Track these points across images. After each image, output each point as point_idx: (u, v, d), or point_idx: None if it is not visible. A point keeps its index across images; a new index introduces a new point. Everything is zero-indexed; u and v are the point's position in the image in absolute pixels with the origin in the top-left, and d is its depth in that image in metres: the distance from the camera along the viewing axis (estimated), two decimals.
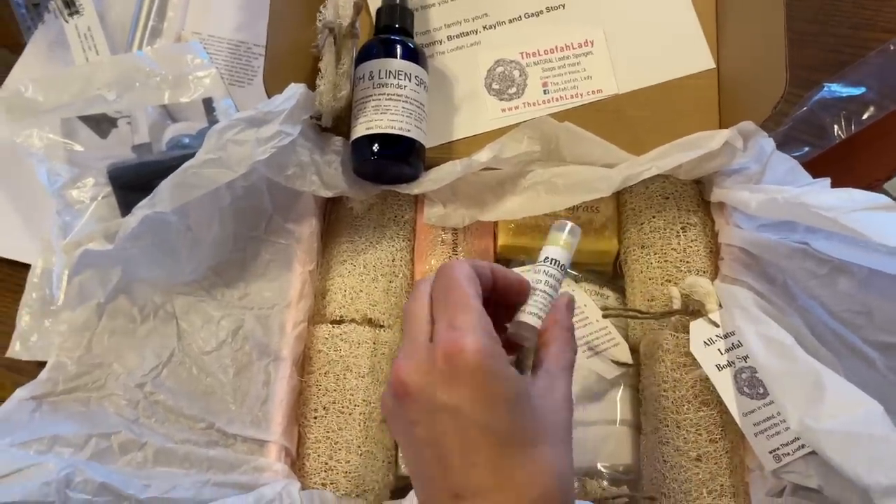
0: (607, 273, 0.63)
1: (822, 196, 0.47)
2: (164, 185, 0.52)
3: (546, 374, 0.39)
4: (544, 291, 0.44)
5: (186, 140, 0.68)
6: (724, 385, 0.51)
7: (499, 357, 0.36)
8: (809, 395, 0.44)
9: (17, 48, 0.75)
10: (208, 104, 0.70)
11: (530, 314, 0.43)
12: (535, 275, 0.44)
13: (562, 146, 0.58)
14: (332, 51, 0.55)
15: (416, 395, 0.36)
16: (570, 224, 0.46)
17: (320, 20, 0.55)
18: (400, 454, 0.56)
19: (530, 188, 0.59)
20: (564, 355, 0.40)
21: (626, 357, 0.57)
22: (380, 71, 0.57)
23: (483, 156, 0.58)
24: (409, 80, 0.57)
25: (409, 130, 0.57)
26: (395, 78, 0.57)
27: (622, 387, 0.57)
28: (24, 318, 0.63)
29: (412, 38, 0.61)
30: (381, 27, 0.60)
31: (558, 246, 0.45)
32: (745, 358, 0.51)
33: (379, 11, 0.61)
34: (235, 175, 0.52)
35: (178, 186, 0.52)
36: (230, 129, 0.52)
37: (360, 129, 0.57)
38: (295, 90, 0.55)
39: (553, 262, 0.45)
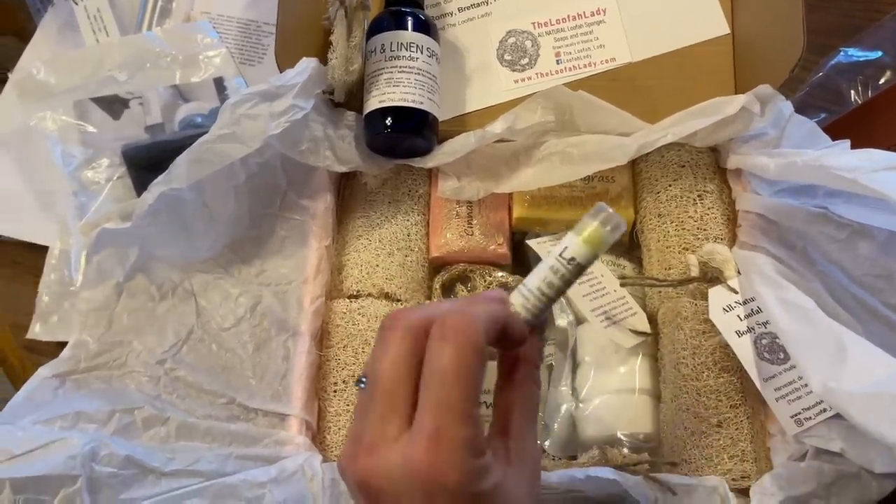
0: (623, 243, 0.63)
1: (842, 157, 0.47)
2: (180, 161, 0.52)
3: (518, 461, 0.36)
4: (543, 292, 0.37)
5: (199, 119, 0.68)
6: (745, 351, 0.51)
7: (482, 476, 0.32)
8: (832, 358, 0.44)
9: (25, 33, 0.75)
10: (219, 83, 0.70)
11: (523, 307, 0.37)
12: (545, 260, 0.38)
13: (576, 116, 0.58)
14: (343, 24, 0.55)
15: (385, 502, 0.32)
16: (606, 212, 0.37)
17: None
18: None
19: (545, 159, 0.59)
20: (531, 423, 0.37)
21: (645, 326, 0.57)
22: (391, 43, 0.57)
23: (497, 127, 0.57)
24: (421, 53, 0.57)
25: (421, 103, 0.56)
26: (406, 50, 0.56)
27: (640, 356, 0.57)
28: (43, 300, 0.63)
29: (423, 9, 0.60)
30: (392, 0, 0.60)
31: (580, 238, 0.37)
32: (765, 324, 0.51)
33: None
34: (250, 150, 0.52)
35: (194, 162, 0.52)
36: (243, 103, 0.52)
37: (372, 103, 0.57)
38: (307, 64, 0.55)
39: (568, 259, 0.37)
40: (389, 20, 0.58)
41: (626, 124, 0.57)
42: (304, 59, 0.55)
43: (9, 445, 0.44)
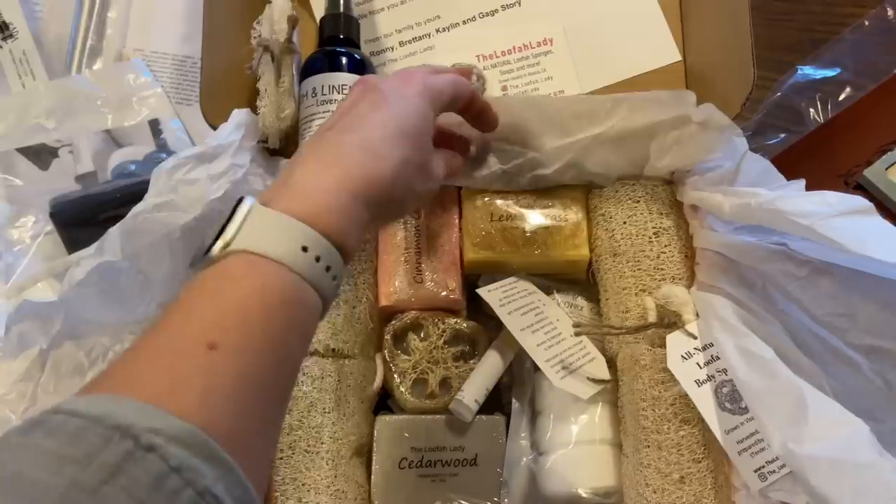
0: (580, 281, 0.60)
1: (798, 201, 0.44)
2: (113, 233, 0.48)
3: None
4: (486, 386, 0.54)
5: (133, 167, 0.65)
6: (704, 401, 0.49)
7: (433, 104, 0.44)
8: (791, 415, 0.42)
9: None
10: (155, 126, 0.67)
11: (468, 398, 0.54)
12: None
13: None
14: (270, 69, 0.52)
15: (370, 81, 0.43)
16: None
17: (254, 38, 0.52)
18: (373, 487, 0.54)
19: None
20: None
21: (604, 373, 0.54)
22: (323, 86, 0.54)
23: None
24: None
25: None
26: (339, 93, 0.53)
27: (600, 404, 0.55)
28: None
29: (359, 48, 0.58)
30: (326, 38, 0.57)
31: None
32: (725, 371, 0.49)
33: (322, 21, 0.57)
34: (189, 217, 0.49)
35: (129, 234, 0.48)
36: (179, 168, 0.49)
37: None
38: (240, 117, 0.51)
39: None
40: (322, 61, 0.55)
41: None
42: (236, 111, 0.52)
43: None
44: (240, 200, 0.35)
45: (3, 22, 0.69)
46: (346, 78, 0.54)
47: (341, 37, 0.56)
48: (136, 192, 0.59)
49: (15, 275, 0.59)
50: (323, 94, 0.53)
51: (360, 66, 0.55)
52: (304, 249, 0.34)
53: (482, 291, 0.55)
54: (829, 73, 0.68)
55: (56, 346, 0.52)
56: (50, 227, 0.61)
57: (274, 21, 0.52)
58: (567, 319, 0.56)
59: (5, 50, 0.69)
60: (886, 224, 0.43)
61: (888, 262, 0.40)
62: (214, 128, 0.52)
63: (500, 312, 0.54)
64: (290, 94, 0.53)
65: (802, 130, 0.67)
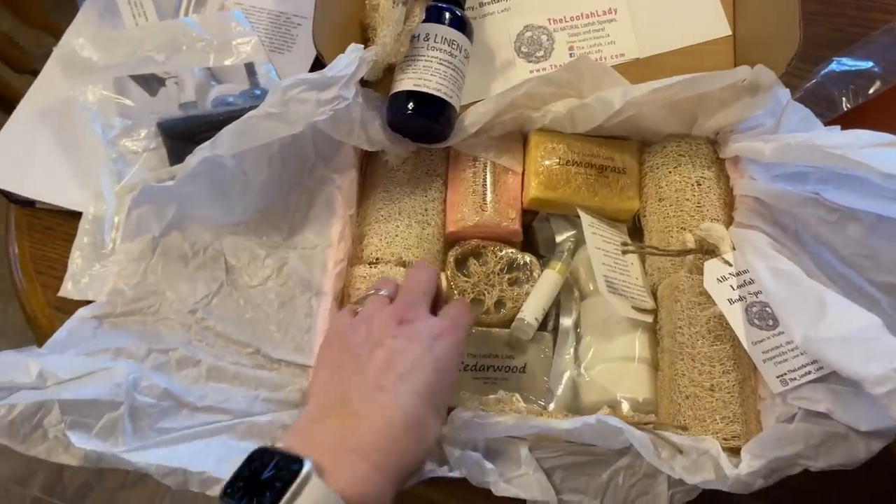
0: (628, 227, 0.67)
1: (832, 137, 0.51)
2: (227, 131, 0.55)
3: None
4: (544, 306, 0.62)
5: (230, 99, 0.72)
6: (736, 317, 0.55)
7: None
8: (813, 314, 0.48)
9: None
10: (250, 68, 0.74)
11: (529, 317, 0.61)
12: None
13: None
14: (402, 7, 0.58)
15: (413, 325, 0.49)
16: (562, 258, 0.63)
17: None
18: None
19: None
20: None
21: (647, 315, 0.61)
22: (436, 35, 0.61)
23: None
24: (460, 52, 0.62)
25: (451, 97, 0.61)
26: (449, 46, 0.61)
27: (640, 328, 0.61)
28: (76, 261, 0.66)
29: (463, 8, 0.65)
30: None
31: (555, 271, 0.63)
32: (757, 294, 0.55)
33: None
34: (294, 131, 0.55)
35: (240, 133, 0.55)
36: (294, 87, 0.55)
37: (406, 84, 0.60)
38: (356, 53, 0.57)
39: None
40: (438, 13, 0.62)
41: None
42: (353, 45, 0.58)
43: (56, 371, 0.47)
44: (298, 462, 0.39)
45: None
46: (455, 34, 0.62)
47: None
48: (234, 118, 0.67)
49: (125, 179, 0.66)
50: (436, 42, 0.61)
51: (465, 26, 0.63)
52: None
53: (582, 212, 0.62)
54: (862, 66, 0.75)
55: (165, 235, 0.59)
56: (156, 143, 0.68)
57: None
58: (639, 266, 0.63)
59: None
60: None
61: None
62: (322, 60, 0.59)
63: (587, 231, 0.61)
64: (409, 35, 0.60)
65: (834, 116, 0.73)
